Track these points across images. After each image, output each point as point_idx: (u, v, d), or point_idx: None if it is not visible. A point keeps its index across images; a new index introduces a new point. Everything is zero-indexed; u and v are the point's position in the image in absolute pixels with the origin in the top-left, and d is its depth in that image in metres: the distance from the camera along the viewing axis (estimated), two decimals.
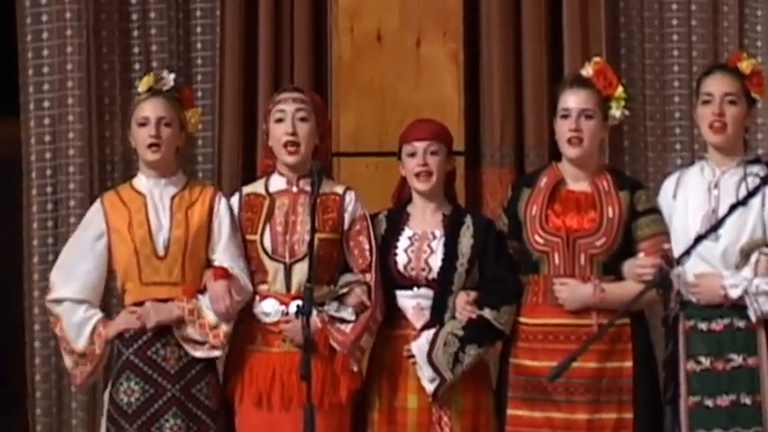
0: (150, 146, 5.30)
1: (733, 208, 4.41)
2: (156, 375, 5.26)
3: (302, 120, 5.16)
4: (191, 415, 5.20)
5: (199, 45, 6.60)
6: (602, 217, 5.19)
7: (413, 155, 5.26)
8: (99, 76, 6.62)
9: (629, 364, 5.12)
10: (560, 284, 5.16)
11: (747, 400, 4.99)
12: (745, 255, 5.00)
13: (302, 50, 6.55)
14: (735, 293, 4.93)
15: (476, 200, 6.55)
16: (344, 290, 5.31)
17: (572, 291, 5.14)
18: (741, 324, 4.98)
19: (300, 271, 5.24)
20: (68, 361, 5.36)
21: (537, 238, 5.23)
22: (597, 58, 5.54)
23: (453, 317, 5.23)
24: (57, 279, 5.43)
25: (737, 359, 5.00)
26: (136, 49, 6.51)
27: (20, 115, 6.66)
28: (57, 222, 6.51)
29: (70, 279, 5.40)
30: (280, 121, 5.22)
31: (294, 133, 5.16)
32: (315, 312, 5.01)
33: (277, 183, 5.26)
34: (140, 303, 5.30)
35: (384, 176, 5.84)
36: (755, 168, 5.04)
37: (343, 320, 5.25)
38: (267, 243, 5.28)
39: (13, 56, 6.64)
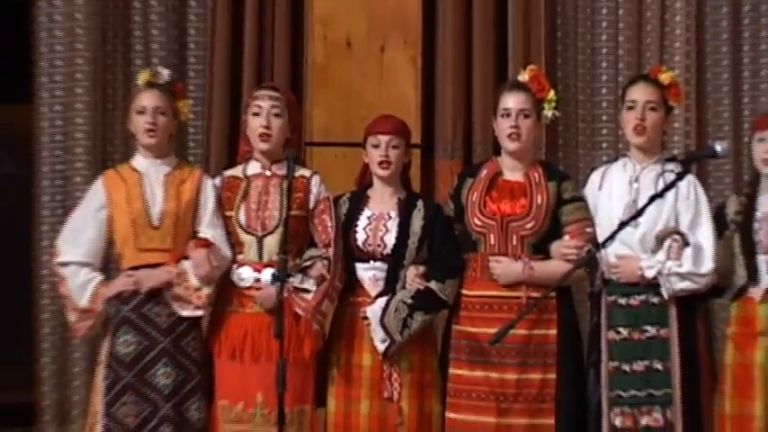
0: (147, 131, 5.36)
1: (652, 199, 4.39)
2: (150, 329, 5.31)
3: (276, 115, 5.30)
4: (180, 364, 5.24)
5: (192, 45, 6.66)
6: (532, 203, 5.24)
7: (377, 146, 5.34)
8: (104, 70, 6.68)
9: (554, 331, 5.18)
10: (495, 262, 5.19)
11: (659, 366, 5.11)
12: (659, 240, 5.06)
13: (281, 53, 6.60)
14: (650, 274, 5.05)
15: (429, 186, 6.55)
16: (308, 263, 5.35)
17: (505, 267, 5.19)
18: (655, 300, 5.10)
19: (270, 243, 5.32)
20: (72, 317, 5.42)
21: (476, 220, 5.27)
22: (532, 66, 5.60)
23: (404, 287, 5.30)
24: (63, 245, 5.48)
25: (652, 330, 5.13)
26: (138, 47, 6.58)
27: (34, 102, 6.65)
28: (65, 196, 6.54)
29: (75, 245, 5.44)
30: (256, 114, 5.36)
31: (268, 126, 5.30)
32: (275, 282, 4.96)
33: (253, 167, 5.39)
34: (136, 267, 5.37)
35: (350, 164, 5.89)
36: (671, 166, 5.04)
37: (306, 290, 5.34)
38: (242, 218, 5.36)
39: (29, 50, 6.66)
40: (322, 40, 6.70)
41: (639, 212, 4.51)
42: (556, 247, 5.22)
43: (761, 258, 5.17)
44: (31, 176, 6.79)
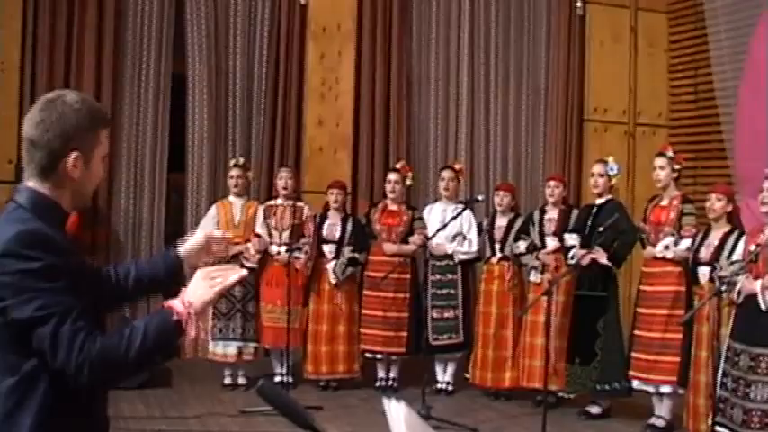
0: (235, 186, 8.92)
1: (452, 220, 8.37)
2: None
3: None
4: (246, 286, 8.54)
5: None
6: (402, 220, 9.05)
7: (332, 194, 9.06)
8: None
9: (408, 276, 9.00)
10: (386, 245, 8.87)
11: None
12: (453, 238, 9.03)
13: None
14: (450, 250, 8.92)
15: (353, 212, 9.91)
16: (302, 245, 8.88)
17: (389, 247, 8.92)
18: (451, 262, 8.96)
19: (284, 234, 8.88)
20: None
21: (377, 227, 9.06)
22: (400, 163, 9.53)
23: (342, 255, 8.92)
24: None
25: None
26: None
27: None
28: (200, 215, 9.75)
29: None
30: None
31: None
32: (288, 253, 8.52)
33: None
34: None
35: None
36: (461, 206, 8.72)
37: (298, 258, 8.76)
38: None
39: (182, 125, 10.16)
40: None
41: (445, 226, 8.32)
42: (411, 239, 8.97)
43: None
44: (181, 213, 9.91)
